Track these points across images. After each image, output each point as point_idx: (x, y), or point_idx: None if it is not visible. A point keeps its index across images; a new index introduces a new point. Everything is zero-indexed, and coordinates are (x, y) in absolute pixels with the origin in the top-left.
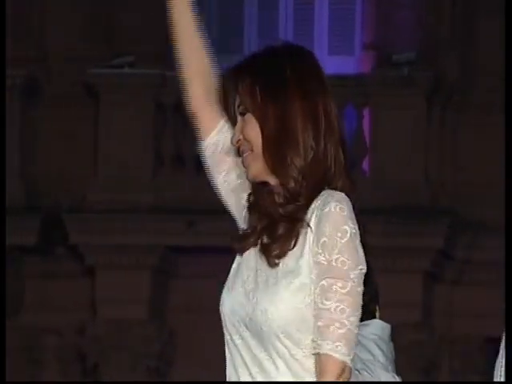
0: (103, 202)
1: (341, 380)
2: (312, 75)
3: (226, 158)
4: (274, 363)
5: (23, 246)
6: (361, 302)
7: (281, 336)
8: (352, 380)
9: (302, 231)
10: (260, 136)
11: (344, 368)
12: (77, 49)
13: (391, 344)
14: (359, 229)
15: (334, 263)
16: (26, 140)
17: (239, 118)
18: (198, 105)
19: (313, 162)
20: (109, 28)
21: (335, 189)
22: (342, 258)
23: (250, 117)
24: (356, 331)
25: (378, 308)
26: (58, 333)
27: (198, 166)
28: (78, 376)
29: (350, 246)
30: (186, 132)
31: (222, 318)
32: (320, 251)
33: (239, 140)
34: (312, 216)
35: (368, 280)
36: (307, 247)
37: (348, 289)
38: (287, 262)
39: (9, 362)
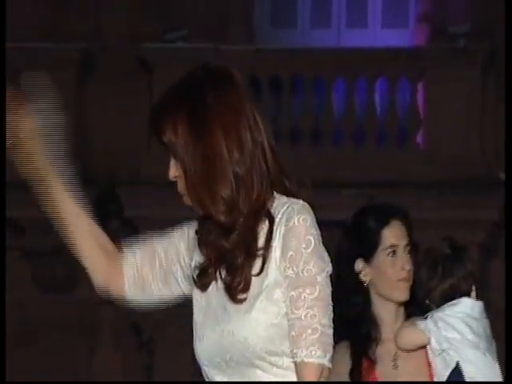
0: (158, 175)
1: (321, 380)
2: (233, 99)
3: (158, 264)
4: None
5: None
6: (331, 303)
7: (265, 355)
8: (440, 361)
9: (262, 253)
10: (188, 178)
11: (322, 370)
12: (131, 24)
13: (485, 321)
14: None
15: (301, 274)
16: (81, 115)
17: (171, 154)
18: (109, 279)
19: (242, 185)
20: (162, 2)
21: (284, 192)
22: (307, 267)
23: (179, 160)
24: (330, 331)
25: (474, 288)
26: (114, 306)
27: None
28: (134, 349)
29: (314, 254)
30: None
31: (201, 365)
32: (288, 265)
33: (175, 176)
34: (276, 233)
35: (458, 263)
36: (273, 265)
37: (316, 293)
38: (254, 285)
39: (66, 336)
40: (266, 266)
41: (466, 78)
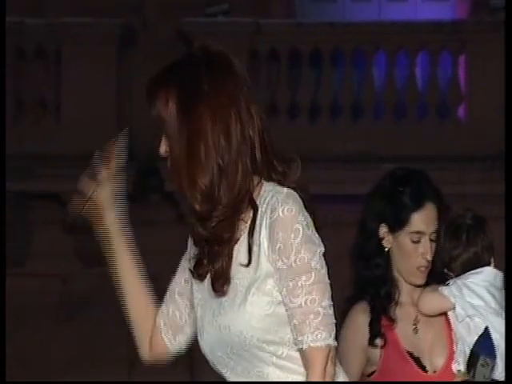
0: None
1: (329, 359)
2: (228, 89)
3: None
4: (264, 374)
5: None
6: (328, 281)
7: (264, 346)
8: (463, 326)
9: (245, 242)
10: (170, 155)
11: (329, 350)
12: None
13: (503, 292)
14: (310, 215)
15: (293, 264)
16: (123, 88)
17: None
18: (152, 347)
19: (224, 176)
20: None
21: (277, 180)
22: (300, 256)
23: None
24: (331, 311)
25: (493, 260)
26: (155, 278)
27: (292, 114)
28: None
29: (304, 241)
30: (280, 79)
31: (209, 360)
32: (278, 257)
33: (166, 151)
34: (262, 225)
35: (480, 232)
36: (262, 256)
37: (312, 278)
38: (245, 277)
39: (107, 308)
40: (254, 256)
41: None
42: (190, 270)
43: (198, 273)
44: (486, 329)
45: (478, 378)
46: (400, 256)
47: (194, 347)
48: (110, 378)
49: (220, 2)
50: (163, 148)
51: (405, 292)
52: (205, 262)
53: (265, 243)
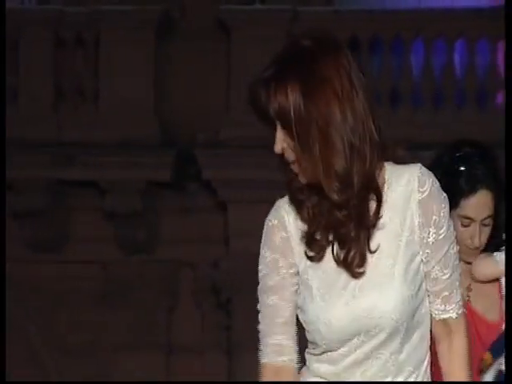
0: (236, 137)
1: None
2: (343, 64)
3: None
4: (395, 357)
5: (159, 181)
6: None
7: (400, 328)
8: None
9: (375, 224)
10: (299, 147)
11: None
12: None
13: None
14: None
15: (446, 234)
16: (161, 76)
17: (278, 126)
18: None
19: (357, 156)
20: None
21: (396, 159)
22: (449, 224)
23: (289, 128)
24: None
25: None
26: (193, 266)
27: None
28: (213, 309)
29: (448, 207)
30: None
31: (323, 333)
32: (434, 230)
33: (282, 148)
34: (409, 202)
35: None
36: (410, 234)
37: (455, 247)
38: (389, 256)
39: (146, 295)
40: (397, 236)
41: None
42: (304, 252)
43: (314, 252)
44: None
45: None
46: None
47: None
48: (148, 362)
49: None
50: (279, 146)
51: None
52: (319, 238)
53: (415, 220)
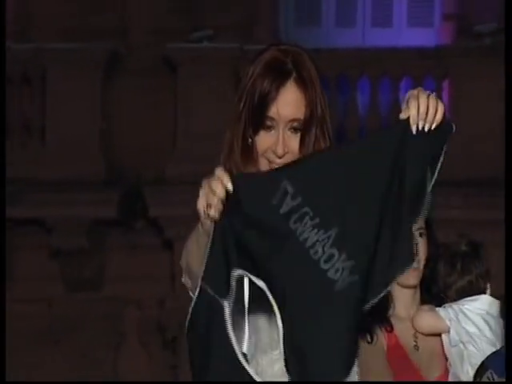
0: (183, 174)
1: None
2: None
3: None
4: None
5: (105, 219)
6: None
7: None
8: (456, 352)
9: None
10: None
11: None
12: (157, 22)
13: (501, 320)
14: None
15: None
16: (107, 113)
17: (289, 133)
18: None
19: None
20: (188, 2)
21: None
22: None
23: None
24: None
25: (488, 286)
26: (139, 304)
27: None
28: (159, 348)
29: None
30: None
31: None
32: None
33: (286, 152)
34: None
35: (475, 260)
36: None
37: None
38: None
39: (92, 333)
40: None
41: (493, 77)
42: None
43: None
44: (502, 348)
45: None
46: None
47: (178, 368)
48: None
49: (204, 27)
50: (282, 150)
51: (400, 307)
52: None
53: None
